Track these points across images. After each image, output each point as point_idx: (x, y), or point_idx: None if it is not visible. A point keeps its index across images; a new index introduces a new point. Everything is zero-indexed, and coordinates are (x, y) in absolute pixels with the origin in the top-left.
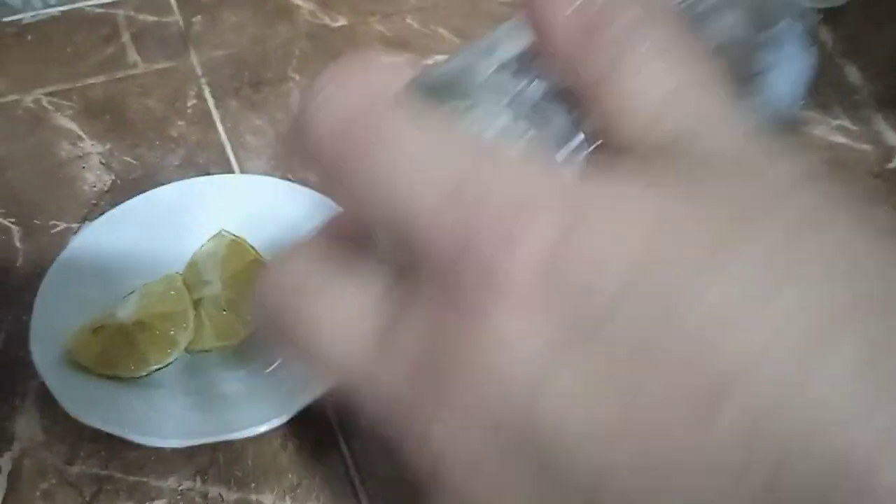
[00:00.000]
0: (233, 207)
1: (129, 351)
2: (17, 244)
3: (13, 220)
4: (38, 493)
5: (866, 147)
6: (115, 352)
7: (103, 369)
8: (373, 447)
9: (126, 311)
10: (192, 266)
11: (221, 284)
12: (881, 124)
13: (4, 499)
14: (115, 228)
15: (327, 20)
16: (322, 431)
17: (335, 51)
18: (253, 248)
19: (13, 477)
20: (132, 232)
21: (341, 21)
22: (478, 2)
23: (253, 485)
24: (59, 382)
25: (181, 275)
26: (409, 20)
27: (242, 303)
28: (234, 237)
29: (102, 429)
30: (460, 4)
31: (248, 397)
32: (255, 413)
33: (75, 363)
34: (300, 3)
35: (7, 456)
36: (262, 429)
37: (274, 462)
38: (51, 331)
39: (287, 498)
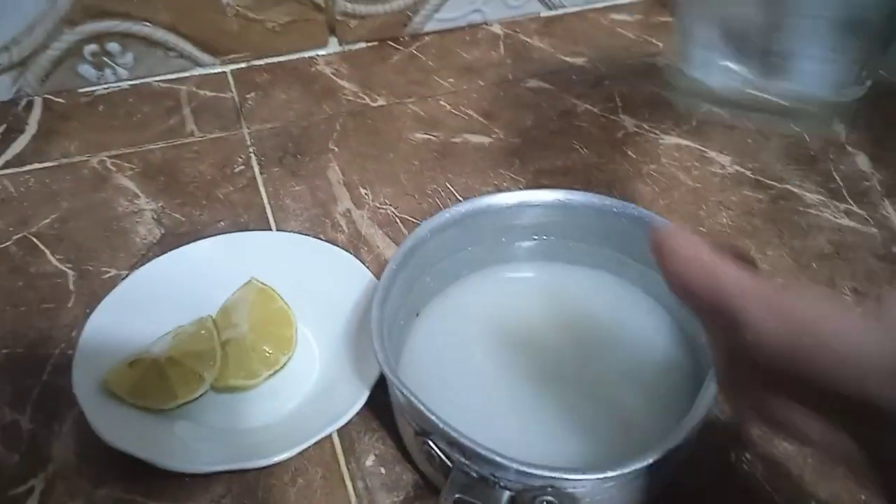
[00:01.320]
0: (265, 260)
1: (160, 384)
2: (71, 287)
3: (70, 265)
4: None
5: (873, 230)
6: (146, 384)
7: (136, 400)
8: (378, 484)
9: (160, 348)
10: (224, 310)
11: (248, 327)
12: (888, 209)
13: None
14: (158, 275)
15: (368, 100)
16: (329, 470)
17: (373, 127)
18: (280, 296)
19: (45, 495)
20: (174, 279)
21: (380, 101)
22: (507, 87)
23: None
24: (94, 409)
25: (212, 317)
26: (441, 102)
27: (266, 345)
28: (262, 285)
29: (127, 451)
30: (488, 90)
31: (264, 432)
32: (267, 447)
33: (111, 393)
34: (345, 84)
35: (41, 476)
36: (272, 461)
37: (283, 495)
38: (92, 364)
39: None
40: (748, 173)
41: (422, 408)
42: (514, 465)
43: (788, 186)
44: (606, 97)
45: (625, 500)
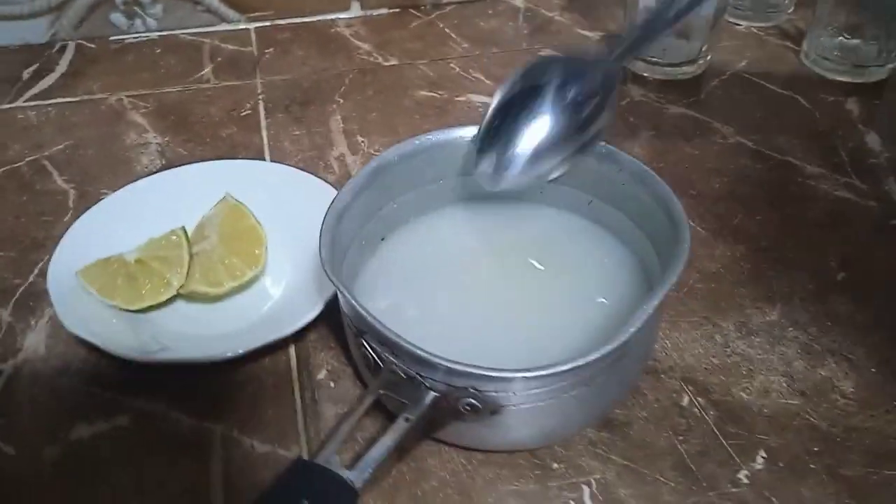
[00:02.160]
0: (248, 185)
1: (129, 284)
2: (70, 204)
3: (73, 185)
4: (26, 397)
5: (871, 203)
6: (115, 283)
7: (105, 297)
8: (325, 396)
9: (132, 253)
10: (199, 225)
11: (217, 239)
12: (892, 185)
13: None
14: (145, 191)
15: (380, 60)
16: (281, 380)
17: (380, 84)
18: (252, 214)
19: (11, 380)
20: (159, 196)
21: (392, 61)
22: (520, 55)
23: (209, 414)
24: (63, 300)
25: (183, 227)
26: (452, 65)
27: (233, 257)
28: (236, 202)
29: (85, 338)
30: (500, 57)
31: (222, 339)
32: (221, 346)
33: (83, 289)
34: (360, 44)
35: (10, 363)
36: (225, 356)
37: (231, 399)
38: (68, 263)
39: (235, 429)
40: (750, 144)
41: (354, 304)
42: (439, 361)
43: (789, 158)
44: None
45: (547, 414)
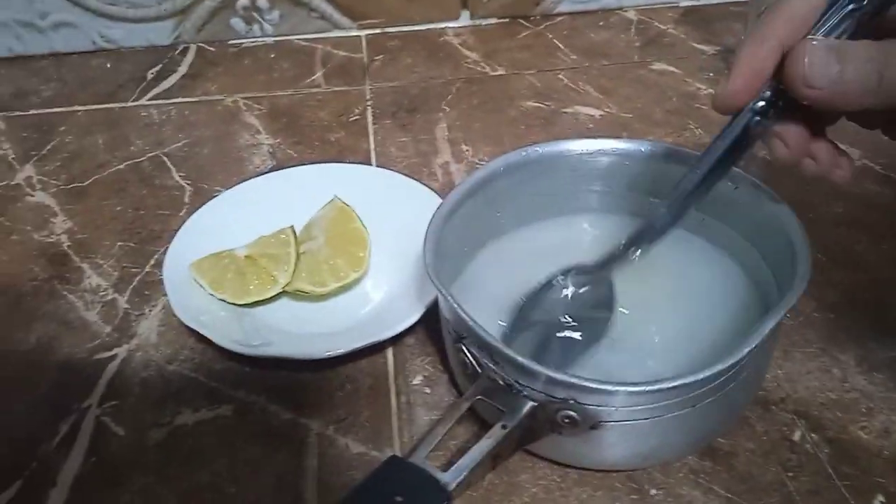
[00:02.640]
0: (356, 188)
1: (237, 280)
2: (186, 199)
3: (189, 182)
4: (137, 380)
5: None
6: (225, 277)
7: (215, 291)
8: (420, 401)
9: (242, 249)
10: (307, 226)
11: (324, 241)
12: None
13: (112, 377)
14: (258, 190)
15: (488, 70)
16: (378, 382)
17: (487, 93)
18: (358, 217)
19: (123, 363)
20: (271, 195)
21: (500, 71)
22: (631, 68)
23: (306, 410)
24: (176, 291)
25: (292, 227)
26: (560, 76)
27: (338, 259)
28: (344, 204)
29: (193, 327)
30: (610, 69)
31: (323, 338)
32: (321, 346)
33: (195, 282)
34: (468, 53)
35: (125, 347)
36: (324, 355)
37: (330, 397)
38: (183, 256)
39: (331, 427)
40: (878, 168)
41: (456, 307)
42: (540, 370)
43: None
44: None
45: (648, 435)
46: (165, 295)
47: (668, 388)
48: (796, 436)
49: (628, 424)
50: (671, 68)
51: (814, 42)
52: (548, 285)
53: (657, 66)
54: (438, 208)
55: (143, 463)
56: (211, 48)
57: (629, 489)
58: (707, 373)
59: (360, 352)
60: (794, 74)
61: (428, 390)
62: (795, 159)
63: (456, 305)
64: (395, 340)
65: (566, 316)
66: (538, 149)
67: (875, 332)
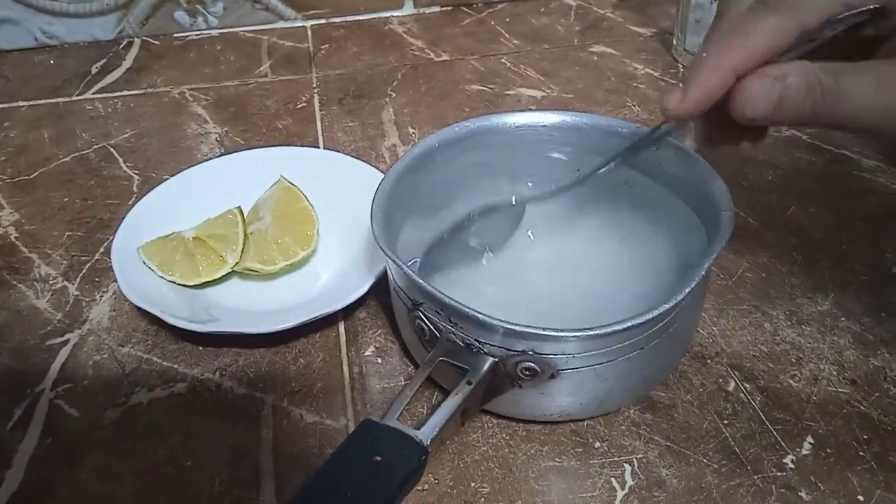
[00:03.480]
0: (303, 170)
1: (187, 261)
2: (135, 189)
3: (137, 171)
4: (90, 363)
5: None
6: (174, 259)
7: (164, 273)
8: (372, 371)
9: (190, 231)
10: (255, 207)
11: (271, 220)
12: None
13: (65, 362)
14: (205, 175)
15: (432, 55)
16: (330, 355)
17: (432, 78)
18: (306, 197)
19: (76, 348)
20: (219, 179)
21: (444, 56)
22: (571, 51)
23: (260, 385)
24: (124, 273)
25: (239, 207)
26: (503, 60)
27: (286, 237)
28: (290, 184)
29: (144, 307)
30: (551, 52)
31: (275, 314)
32: (271, 320)
33: (144, 265)
34: (413, 41)
35: (77, 332)
36: (275, 328)
37: (284, 371)
38: (131, 241)
39: (285, 400)
40: (805, 138)
41: (410, 273)
42: (499, 324)
43: (845, 152)
44: (670, 64)
45: (603, 379)
46: (116, 281)
47: (622, 330)
48: (731, 386)
49: (584, 371)
50: (610, 50)
51: (756, 82)
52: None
53: (596, 48)
54: (382, 182)
55: (98, 442)
56: (155, 42)
57: (574, 442)
58: (657, 311)
59: (312, 327)
60: (737, 109)
61: (380, 360)
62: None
63: (410, 272)
64: (347, 315)
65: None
66: (470, 123)
67: (804, 289)
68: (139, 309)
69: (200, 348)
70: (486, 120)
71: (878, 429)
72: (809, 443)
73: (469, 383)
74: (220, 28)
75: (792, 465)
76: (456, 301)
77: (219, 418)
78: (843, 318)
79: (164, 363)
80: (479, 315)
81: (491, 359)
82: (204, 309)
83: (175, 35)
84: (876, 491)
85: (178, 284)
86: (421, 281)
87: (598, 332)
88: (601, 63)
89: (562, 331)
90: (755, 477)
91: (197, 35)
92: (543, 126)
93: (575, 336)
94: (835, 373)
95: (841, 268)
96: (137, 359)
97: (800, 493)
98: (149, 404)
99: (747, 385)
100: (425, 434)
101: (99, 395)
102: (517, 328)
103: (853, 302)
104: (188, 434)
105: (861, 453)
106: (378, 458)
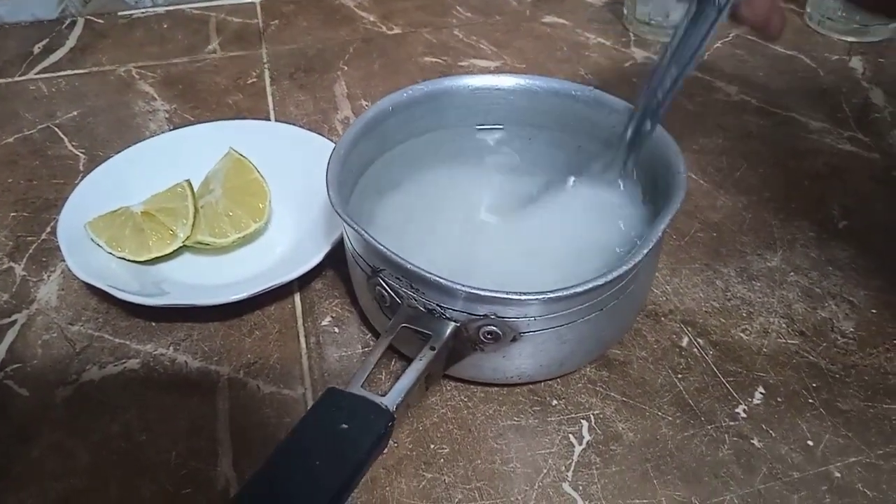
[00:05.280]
0: (254, 143)
1: (136, 236)
2: (81, 168)
3: (83, 150)
4: (39, 342)
5: (874, 156)
6: (123, 234)
7: (113, 249)
8: (330, 341)
9: (138, 206)
10: (205, 180)
11: (222, 192)
12: (895, 138)
13: (13, 342)
14: (153, 150)
15: (384, 29)
16: (286, 326)
17: (384, 51)
18: (256, 168)
19: (24, 328)
20: (167, 154)
21: (396, 30)
22: (523, 22)
23: (216, 358)
24: (72, 250)
25: (188, 181)
26: (455, 32)
27: (238, 209)
28: (240, 156)
29: (92, 283)
30: (503, 24)
31: (229, 287)
32: (224, 293)
33: (92, 242)
34: (364, 14)
35: (24, 312)
36: (228, 299)
37: (239, 343)
38: (78, 218)
39: (241, 371)
40: (754, 101)
41: (372, 241)
42: (460, 288)
43: (793, 114)
44: (621, 33)
45: (564, 340)
46: (64, 260)
47: (585, 292)
48: (684, 342)
49: (546, 333)
50: (561, 20)
51: None
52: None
53: (548, 19)
54: (335, 147)
55: (50, 419)
56: (99, 20)
57: (532, 401)
58: (618, 272)
59: (267, 299)
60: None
61: (337, 330)
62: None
63: (369, 237)
64: (303, 286)
65: None
66: (422, 87)
67: (754, 247)
68: (89, 287)
69: (153, 324)
70: (440, 83)
71: (825, 377)
72: (760, 393)
73: (432, 348)
74: (165, 6)
75: (744, 415)
76: (418, 267)
77: (174, 392)
78: (792, 273)
79: (116, 340)
80: (442, 280)
81: (453, 324)
82: (155, 284)
83: (120, 13)
84: (825, 436)
85: (128, 261)
86: (382, 246)
87: (560, 294)
88: (553, 33)
89: (525, 294)
90: (709, 427)
91: (143, 13)
92: (498, 89)
93: (537, 299)
94: (784, 325)
95: (789, 225)
96: (88, 336)
97: (752, 441)
98: (101, 381)
99: (700, 340)
100: (391, 400)
101: (49, 374)
102: (481, 293)
103: (801, 257)
104: (143, 409)
105: (811, 400)
106: (344, 426)
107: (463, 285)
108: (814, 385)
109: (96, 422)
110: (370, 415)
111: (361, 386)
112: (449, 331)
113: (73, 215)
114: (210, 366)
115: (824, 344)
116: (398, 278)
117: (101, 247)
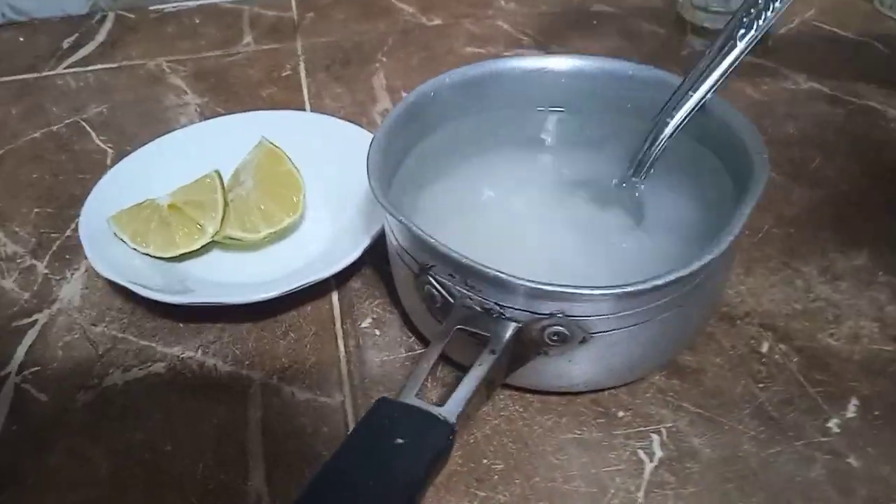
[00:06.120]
0: (289, 134)
1: (162, 230)
2: (108, 162)
3: (111, 145)
4: (60, 344)
5: None
6: (148, 229)
7: (137, 245)
8: (370, 344)
9: (164, 198)
10: (236, 171)
11: (253, 184)
12: None
13: (33, 344)
14: (181, 143)
15: (424, 20)
16: (324, 328)
17: (424, 43)
18: (290, 160)
19: (46, 328)
20: (195, 146)
21: (437, 21)
22: (570, 10)
23: (247, 362)
24: (94, 246)
25: (217, 171)
26: (499, 23)
27: (270, 203)
28: (273, 146)
29: (114, 279)
30: (550, 12)
31: (261, 286)
32: (257, 290)
33: (116, 238)
34: (403, 6)
35: (46, 312)
36: (258, 297)
37: (272, 346)
38: (102, 212)
39: (274, 377)
40: (826, 90)
41: (422, 233)
42: (523, 284)
43: (869, 103)
44: (678, 20)
45: (637, 340)
46: (88, 258)
47: (663, 285)
48: (764, 347)
49: (617, 333)
50: (611, 9)
51: None
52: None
53: (598, 7)
54: (375, 136)
55: (69, 425)
56: (130, 15)
57: (595, 413)
58: (698, 264)
59: (303, 299)
60: None
61: (378, 332)
62: None
63: (419, 231)
64: (340, 285)
65: None
66: (469, 69)
67: (835, 244)
68: (113, 286)
69: (181, 325)
70: (485, 66)
71: None
72: (854, 405)
73: (493, 352)
74: (198, 0)
75: (837, 430)
76: (475, 261)
77: (202, 398)
78: (881, 273)
79: (141, 342)
80: (503, 275)
81: (514, 324)
82: (182, 282)
83: (151, 8)
84: None
85: (153, 257)
86: (433, 239)
87: (636, 288)
88: (604, 22)
89: (597, 288)
90: (797, 444)
91: (174, 7)
92: (550, 72)
93: (612, 293)
94: (877, 330)
95: (872, 220)
96: (112, 338)
97: (848, 460)
98: (125, 385)
99: (782, 346)
100: (450, 410)
101: (70, 378)
102: (546, 288)
103: (890, 255)
104: (168, 416)
105: None
106: (400, 441)
107: (527, 280)
108: None
109: (118, 429)
110: (429, 427)
111: (417, 395)
112: (510, 332)
113: (96, 208)
114: (241, 370)
115: None
116: (451, 275)
117: (124, 242)
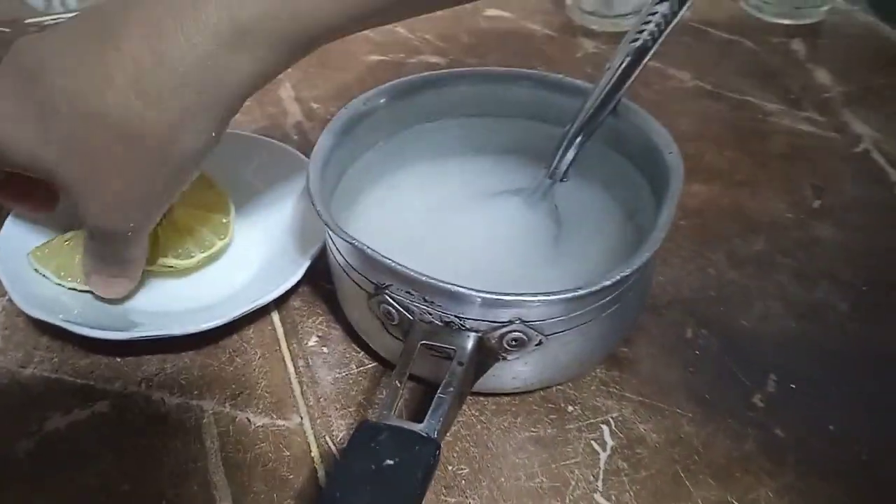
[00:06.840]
0: (214, 155)
1: None
2: None
3: None
4: None
5: (833, 134)
6: (73, 263)
7: (62, 279)
8: (320, 362)
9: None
10: None
11: (182, 210)
12: (849, 116)
13: None
14: None
15: None
16: (269, 350)
17: (326, 54)
18: (216, 182)
19: None
20: None
21: None
22: (466, 16)
23: (196, 392)
24: (14, 283)
25: None
26: (398, 29)
27: (201, 227)
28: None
29: (43, 318)
30: (447, 18)
31: (197, 313)
32: (195, 320)
33: (39, 273)
34: None
35: None
36: (199, 328)
37: (219, 373)
38: (19, 246)
39: (227, 404)
40: (708, 87)
41: (377, 256)
42: (483, 295)
43: (748, 98)
44: (566, 22)
45: (587, 337)
46: (5, 294)
47: (612, 284)
48: (689, 334)
49: (570, 333)
50: (505, 13)
51: None
52: None
53: (491, 12)
54: (312, 158)
55: (14, 476)
56: (6, 28)
57: (547, 409)
58: (637, 263)
59: (242, 322)
60: None
61: (326, 349)
62: None
63: (374, 252)
64: (280, 304)
65: None
66: (396, 84)
67: (737, 231)
68: (37, 323)
69: (118, 360)
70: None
71: (834, 357)
72: (773, 380)
73: (461, 363)
74: (77, 11)
75: (761, 404)
76: (434, 278)
77: (154, 434)
78: (779, 255)
79: (79, 381)
80: (462, 289)
81: (474, 334)
82: (115, 315)
83: (27, 21)
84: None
85: (80, 291)
86: (390, 260)
87: (589, 290)
88: (499, 26)
89: (552, 294)
90: (729, 421)
91: (53, 20)
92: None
93: (566, 298)
94: (781, 309)
95: (766, 207)
96: (44, 380)
97: (775, 430)
98: (68, 429)
99: (704, 331)
100: (431, 427)
101: (6, 427)
102: (506, 297)
103: (784, 239)
104: (121, 456)
105: (823, 381)
106: (390, 462)
107: (485, 291)
108: (823, 366)
109: (69, 475)
110: (415, 446)
111: (395, 414)
112: (472, 343)
113: (12, 243)
114: (190, 401)
115: (825, 325)
116: (408, 292)
117: (47, 278)
